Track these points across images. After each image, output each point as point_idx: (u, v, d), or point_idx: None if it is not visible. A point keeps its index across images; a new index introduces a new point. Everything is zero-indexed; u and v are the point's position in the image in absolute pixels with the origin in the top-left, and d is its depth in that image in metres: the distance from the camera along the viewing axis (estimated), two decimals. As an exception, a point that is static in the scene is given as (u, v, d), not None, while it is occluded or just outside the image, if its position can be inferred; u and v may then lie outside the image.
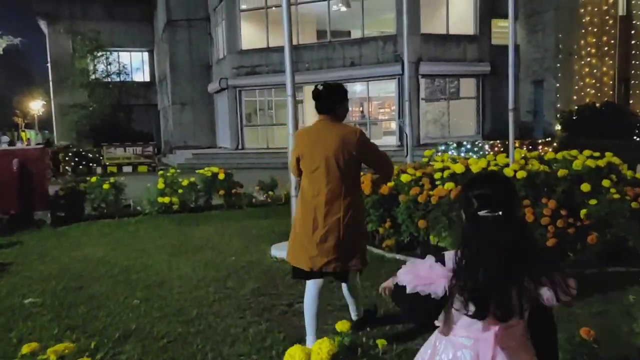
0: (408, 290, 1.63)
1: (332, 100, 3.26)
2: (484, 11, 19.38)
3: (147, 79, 32.36)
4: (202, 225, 7.88)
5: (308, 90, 22.97)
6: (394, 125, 21.47)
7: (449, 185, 5.41)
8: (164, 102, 28.88)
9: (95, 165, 20.05)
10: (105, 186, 8.78)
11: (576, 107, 16.72)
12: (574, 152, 6.24)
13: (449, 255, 1.68)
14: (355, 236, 3.25)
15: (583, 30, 17.58)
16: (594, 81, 17.80)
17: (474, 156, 13.63)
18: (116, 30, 29.87)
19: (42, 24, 30.56)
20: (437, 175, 5.79)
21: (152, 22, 31.16)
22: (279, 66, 18.17)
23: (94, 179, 9.06)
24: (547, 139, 16.21)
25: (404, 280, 1.65)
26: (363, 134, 3.27)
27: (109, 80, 28.72)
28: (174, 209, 8.86)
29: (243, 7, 21.62)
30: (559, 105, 17.61)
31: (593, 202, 5.08)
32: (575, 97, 17.43)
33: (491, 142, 15.92)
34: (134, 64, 31.70)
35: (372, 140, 3.50)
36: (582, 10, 17.57)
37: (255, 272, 5.29)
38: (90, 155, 20.37)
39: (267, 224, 7.80)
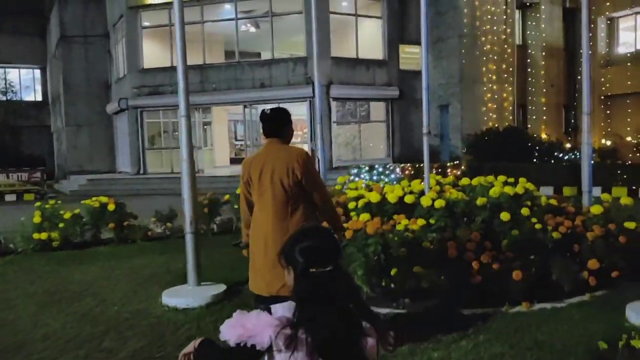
0: (233, 343, 1.56)
1: (279, 122, 3.30)
2: (392, 37, 19.66)
3: (40, 98, 29.77)
4: (85, 265, 6.81)
5: (216, 111, 22.17)
6: (306, 148, 21.07)
7: (364, 216, 4.89)
8: (57, 124, 26.57)
9: (-29, 194, 17.76)
10: (-34, 222, 7.43)
11: (480, 131, 17.23)
12: (490, 178, 6.01)
13: (277, 309, 1.63)
14: None
15: (484, 58, 18.28)
16: (495, 106, 18.51)
17: (386, 179, 13.50)
18: (3, 44, 27.25)
19: None
20: (351, 205, 5.30)
21: (45, 37, 28.82)
22: (183, 86, 17.12)
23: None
24: (454, 162, 16.50)
25: (229, 334, 1.57)
26: (309, 157, 3.29)
27: (-6, 98, 26.03)
28: (53, 246, 7.68)
29: (145, 24, 20.43)
30: (464, 129, 18.08)
31: (515, 232, 4.77)
32: (478, 122, 17.99)
33: (402, 165, 15.92)
34: (23, 82, 29.14)
35: None
36: (484, 39, 18.28)
37: (141, 326, 4.43)
38: (-34, 183, 18.04)
39: (163, 260, 6.90)
